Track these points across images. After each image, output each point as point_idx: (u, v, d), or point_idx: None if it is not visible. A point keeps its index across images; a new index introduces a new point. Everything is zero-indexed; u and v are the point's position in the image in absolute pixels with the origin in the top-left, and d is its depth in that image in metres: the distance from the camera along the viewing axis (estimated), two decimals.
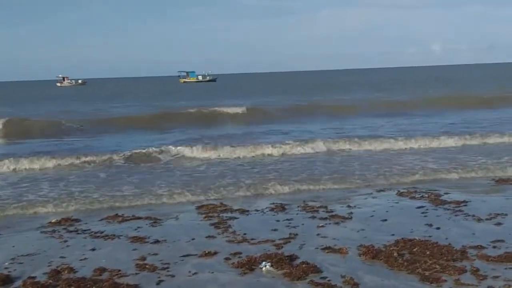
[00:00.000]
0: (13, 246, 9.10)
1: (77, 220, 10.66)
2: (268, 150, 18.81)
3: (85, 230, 9.93)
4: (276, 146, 19.09)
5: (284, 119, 31.69)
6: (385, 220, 9.99)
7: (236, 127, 29.32)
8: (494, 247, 8.17)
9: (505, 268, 7.29)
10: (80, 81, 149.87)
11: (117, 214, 10.94)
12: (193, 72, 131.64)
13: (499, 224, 9.44)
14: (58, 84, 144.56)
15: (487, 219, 9.73)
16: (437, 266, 7.38)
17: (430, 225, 9.50)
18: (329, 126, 27.45)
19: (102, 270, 7.75)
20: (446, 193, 11.90)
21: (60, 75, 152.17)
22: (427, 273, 7.20)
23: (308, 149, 19.05)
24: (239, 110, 34.15)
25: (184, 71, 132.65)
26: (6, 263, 8.19)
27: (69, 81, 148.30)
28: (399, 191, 12.36)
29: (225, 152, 18.47)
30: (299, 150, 18.92)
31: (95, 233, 9.75)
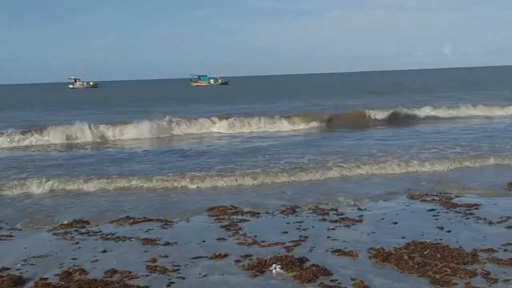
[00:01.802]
0: (25, 248, 9.16)
1: (88, 222, 10.71)
2: None
3: (96, 232, 9.99)
4: None
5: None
6: (396, 223, 9.99)
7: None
8: (505, 250, 8.16)
9: None
10: (91, 83, 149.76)
11: (128, 216, 10.99)
12: (205, 76, 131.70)
13: (510, 227, 9.42)
14: (70, 86, 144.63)
15: (498, 222, 9.72)
16: (448, 269, 7.39)
17: (441, 228, 9.50)
18: None
19: (113, 271, 7.80)
20: (457, 196, 11.87)
21: (72, 77, 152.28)
22: (437, 276, 7.21)
23: None
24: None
25: (196, 75, 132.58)
26: (18, 265, 8.25)
27: (80, 83, 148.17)
28: (410, 193, 12.33)
29: None
30: None
31: (106, 235, 9.81)
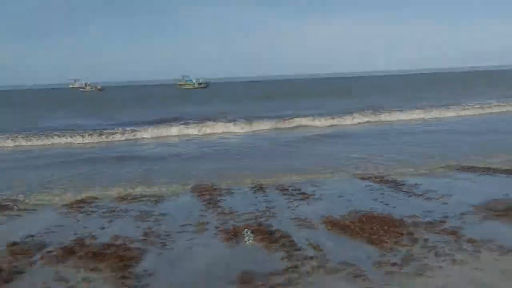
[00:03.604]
0: (46, 219, 9.11)
1: (97, 198, 10.65)
2: None
3: (103, 206, 9.94)
4: None
5: None
6: (342, 196, 10.08)
7: None
8: (425, 216, 8.34)
9: (434, 233, 7.46)
10: (99, 87, 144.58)
11: (128, 194, 10.94)
12: (189, 78, 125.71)
13: (428, 198, 9.60)
14: (82, 90, 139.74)
15: (420, 195, 9.87)
16: (381, 232, 7.52)
17: (376, 200, 9.63)
18: None
19: (117, 237, 7.81)
20: (388, 175, 12.00)
21: (82, 82, 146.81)
22: (373, 237, 7.34)
23: None
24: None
25: (181, 76, 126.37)
26: (40, 233, 8.21)
27: (89, 86, 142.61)
28: (353, 173, 12.43)
29: None
30: None
31: (111, 208, 9.78)
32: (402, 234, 7.41)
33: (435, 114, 29.09)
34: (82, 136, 22.97)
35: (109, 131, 24.29)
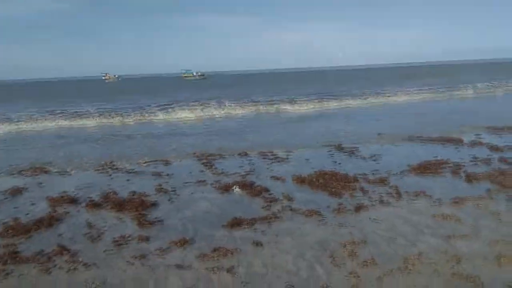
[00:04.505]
0: (78, 179, 9.02)
1: (117, 163, 10.51)
2: None
3: (122, 169, 9.85)
4: None
5: None
6: (308, 159, 10.13)
7: None
8: (373, 174, 8.44)
9: (380, 187, 7.57)
10: (116, 76, 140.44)
11: (142, 159, 10.83)
12: (191, 70, 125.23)
13: (375, 160, 9.69)
14: (103, 78, 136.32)
15: (369, 158, 9.96)
16: (339, 186, 7.62)
17: (335, 162, 9.69)
18: None
19: (134, 193, 7.77)
20: (345, 143, 12.03)
21: (103, 72, 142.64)
22: (333, 190, 7.44)
23: None
24: None
25: (185, 70, 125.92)
26: (73, 190, 8.13)
27: (111, 76, 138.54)
28: (317, 143, 12.34)
29: None
30: None
31: (129, 170, 9.69)
32: (355, 188, 7.50)
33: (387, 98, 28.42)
34: (106, 118, 22.29)
35: (126, 112, 23.71)
